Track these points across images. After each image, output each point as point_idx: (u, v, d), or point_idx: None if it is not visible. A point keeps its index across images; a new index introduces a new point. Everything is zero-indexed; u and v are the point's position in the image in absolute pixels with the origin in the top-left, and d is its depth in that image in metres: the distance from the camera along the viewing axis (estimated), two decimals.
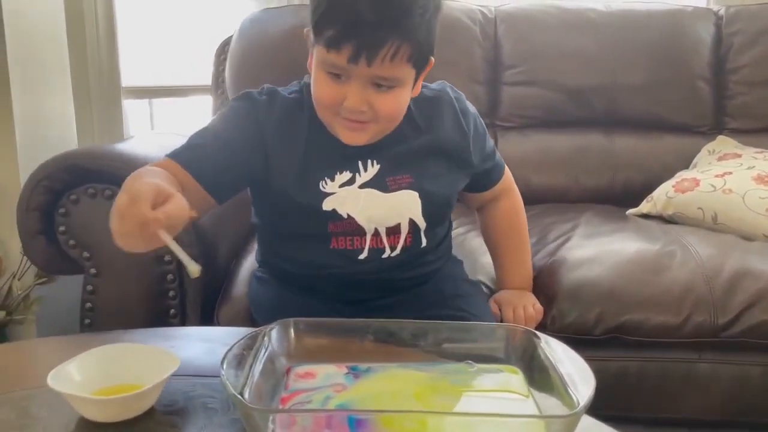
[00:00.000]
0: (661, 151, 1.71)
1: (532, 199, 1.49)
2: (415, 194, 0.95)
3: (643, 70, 1.72)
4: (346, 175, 0.93)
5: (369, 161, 0.94)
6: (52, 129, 1.73)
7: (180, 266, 1.18)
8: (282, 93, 0.96)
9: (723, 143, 1.65)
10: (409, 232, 0.96)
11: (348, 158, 0.94)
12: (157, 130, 2.20)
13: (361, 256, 0.95)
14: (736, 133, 1.71)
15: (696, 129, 1.75)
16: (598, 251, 1.24)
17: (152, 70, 2.15)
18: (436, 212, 0.98)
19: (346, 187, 0.93)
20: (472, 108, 1.03)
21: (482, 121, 1.05)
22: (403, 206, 0.95)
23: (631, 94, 1.73)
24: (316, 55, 0.88)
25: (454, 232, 1.19)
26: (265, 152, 0.92)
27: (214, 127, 0.95)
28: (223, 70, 1.80)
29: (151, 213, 0.68)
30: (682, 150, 1.69)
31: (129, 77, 2.07)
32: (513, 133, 1.76)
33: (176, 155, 0.91)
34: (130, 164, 1.16)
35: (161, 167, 0.86)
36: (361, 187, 0.93)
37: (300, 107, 0.95)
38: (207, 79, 1.88)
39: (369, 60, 0.82)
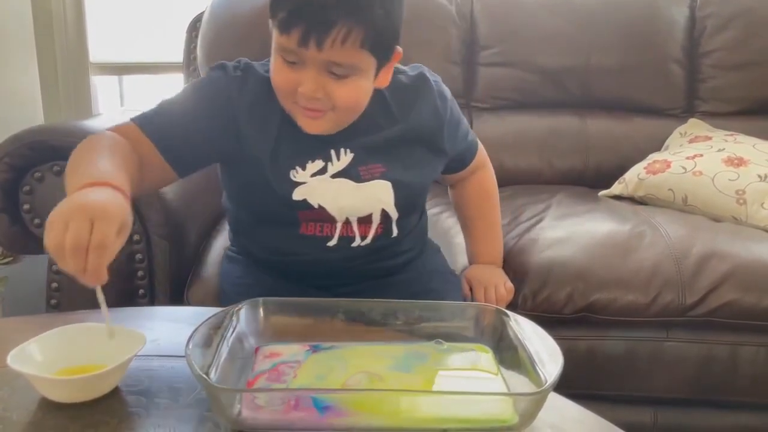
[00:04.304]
0: (633, 133, 1.72)
1: (505, 180, 1.49)
2: (388, 184, 0.93)
3: (617, 52, 1.72)
4: (319, 164, 0.90)
5: (342, 150, 0.91)
6: (16, 105, 1.69)
7: (149, 246, 1.16)
8: (258, 70, 0.91)
9: (694, 126, 1.67)
10: (380, 222, 0.94)
11: (321, 146, 0.91)
12: (127, 108, 2.15)
13: (330, 243, 0.93)
14: (708, 116, 1.73)
15: (668, 112, 1.76)
16: (569, 232, 1.25)
17: (122, 46, 2.09)
18: (409, 202, 0.97)
19: (318, 177, 0.90)
20: (448, 92, 1.01)
21: (457, 104, 1.03)
22: (376, 197, 0.93)
23: (605, 76, 1.73)
24: (273, 40, 0.85)
25: (428, 212, 1.18)
26: (236, 131, 0.89)
27: (184, 98, 0.91)
28: (195, 47, 1.76)
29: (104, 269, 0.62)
30: (654, 132, 1.70)
31: (98, 53, 2.02)
32: (488, 114, 1.76)
33: (141, 122, 0.87)
34: None
35: (122, 133, 0.84)
36: (334, 176, 0.90)
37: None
38: (179, 55, 1.84)
39: (318, 43, 0.78)
